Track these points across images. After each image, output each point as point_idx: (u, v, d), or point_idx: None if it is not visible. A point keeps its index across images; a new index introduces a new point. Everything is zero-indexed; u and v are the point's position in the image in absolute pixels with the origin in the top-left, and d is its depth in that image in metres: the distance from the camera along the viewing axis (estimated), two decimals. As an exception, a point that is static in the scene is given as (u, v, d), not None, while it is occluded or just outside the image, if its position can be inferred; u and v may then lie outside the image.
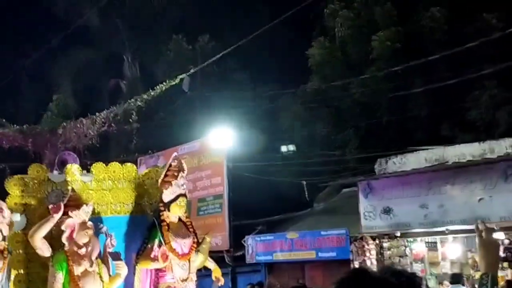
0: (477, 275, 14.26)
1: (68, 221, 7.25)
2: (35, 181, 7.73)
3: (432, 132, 20.13)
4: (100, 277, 7.37)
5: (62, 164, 8.58)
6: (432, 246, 16.21)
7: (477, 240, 2.91)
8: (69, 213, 7.26)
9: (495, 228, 12.08)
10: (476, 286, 2.89)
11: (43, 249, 7.15)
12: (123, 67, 28.57)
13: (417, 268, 15.98)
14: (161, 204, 7.84)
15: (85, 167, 8.36)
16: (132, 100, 19.13)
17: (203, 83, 24.59)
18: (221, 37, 23.61)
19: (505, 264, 14.24)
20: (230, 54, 17.65)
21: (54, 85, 27.13)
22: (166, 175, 7.90)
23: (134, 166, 8.49)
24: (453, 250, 15.94)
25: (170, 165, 7.99)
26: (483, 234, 2.87)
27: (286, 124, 24.02)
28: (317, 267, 17.67)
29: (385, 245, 16.32)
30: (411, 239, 16.05)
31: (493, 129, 18.60)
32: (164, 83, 18.75)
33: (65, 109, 24.54)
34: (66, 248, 7.21)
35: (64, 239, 7.22)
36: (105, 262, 7.50)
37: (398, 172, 15.80)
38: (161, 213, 7.79)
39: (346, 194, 19.69)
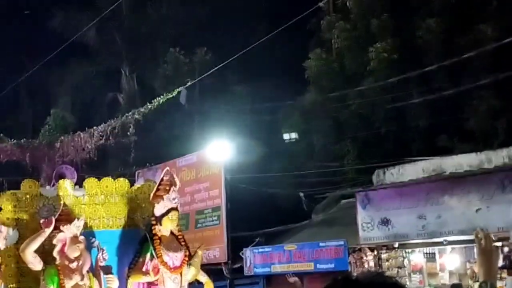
0: (476, 286, 14.27)
1: (60, 236, 7.29)
2: (27, 196, 7.79)
3: (430, 143, 20.09)
4: (91, 290, 7.39)
5: (60, 178, 8.61)
6: (431, 257, 16.16)
7: (476, 248, 2.91)
8: (61, 227, 7.32)
9: (493, 238, 12.06)
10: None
11: (35, 263, 7.18)
12: (121, 80, 28.63)
13: (415, 279, 15.96)
14: (152, 218, 7.89)
15: (83, 181, 8.42)
16: (130, 113, 19.18)
17: (201, 96, 24.65)
18: (219, 50, 23.66)
19: (504, 274, 14.20)
20: (227, 67, 17.75)
21: (52, 99, 27.17)
22: (158, 189, 7.96)
23: (127, 181, 8.55)
24: (451, 261, 15.89)
25: (162, 180, 8.04)
26: (483, 242, 2.86)
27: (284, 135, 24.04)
28: (315, 279, 17.59)
29: (383, 256, 16.28)
30: (409, 250, 16.01)
31: (492, 139, 18.56)
32: (161, 96, 18.81)
33: (63, 123, 24.56)
34: (57, 262, 7.25)
35: (55, 253, 7.27)
36: (96, 276, 7.54)
37: (396, 183, 15.78)
38: (153, 227, 7.84)
39: (344, 205, 19.67)
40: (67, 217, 7.50)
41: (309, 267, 16.75)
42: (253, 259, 18.48)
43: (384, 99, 20.82)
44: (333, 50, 23.39)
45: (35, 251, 7.19)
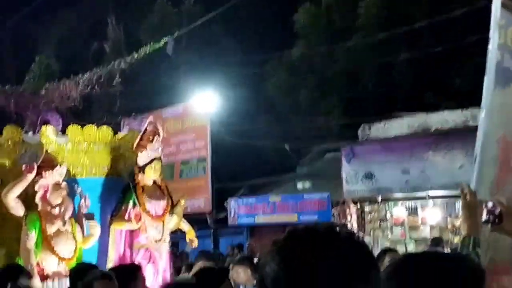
0: (456, 240, 14.42)
1: (42, 182, 7.25)
2: (10, 142, 7.70)
3: (416, 100, 20.07)
4: (74, 236, 7.41)
5: (45, 125, 8.53)
6: (413, 211, 16.30)
7: (461, 202, 2.92)
8: (43, 174, 7.27)
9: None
10: (458, 249, 2.88)
11: (17, 209, 7.16)
12: (107, 29, 28.23)
13: (397, 232, 16.14)
14: (136, 167, 7.88)
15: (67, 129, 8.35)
16: (116, 62, 18.92)
17: (188, 47, 24.37)
18: (207, 0, 23.33)
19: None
20: (216, 18, 17.50)
21: (37, 46, 26.80)
22: (141, 139, 7.93)
23: (110, 129, 8.49)
24: (433, 215, 16.03)
25: (146, 129, 8.01)
26: (468, 196, 2.88)
27: (271, 89, 23.93)
28: (298, 230, 17.77)
29: (366, 209, 16.44)
30: (392, 204, 16.15)
31: (477, 97, 18.54)
32: (148, 46, 18.57)
33: (48, 71, 24.25)
34: (39, 208, 7.24)
35: (37, 199, 7.24)
36: (79, 222, 7.54)
37: (381, 138, 15.84)
38: (135, 176, 7.84)
39: (329, 159, 19.72)
40: (49, 163, 7.43)
41: (292, 218, 16.86)
42: (237, 209, 18.58)
43: (371, 56, 20.72)
44: (322, 3, 23.14)
45: (17, 197, 7.14)
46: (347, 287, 1.39)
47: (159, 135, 8.06)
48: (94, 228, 7.61)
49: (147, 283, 5.91)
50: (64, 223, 7.31)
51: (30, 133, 8.52)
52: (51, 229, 7.20)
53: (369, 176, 15.63)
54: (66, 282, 7.01)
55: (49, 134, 7.87)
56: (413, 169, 14.75)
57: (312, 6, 22.86)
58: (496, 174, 3.13)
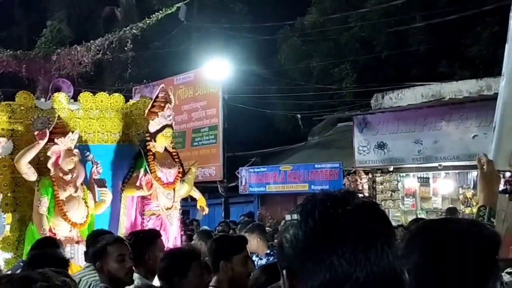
0: (468, 211, 14.45)
1: (54, 148, 7.33)
2: (22, 108, 7.77)
3: (430, 68, 19.94)
4: (85, 202, 7.51)
5: (56, 91, 8.59)
6: (424, 182, 16.34)
7: (478, 172, 2.89)
8: (55, 140, 7.34)
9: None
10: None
11: (29, 174, 7.25)
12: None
13: (408, 202, 16.19)
14: (147, 134, 7.94)
15: (79, 95, 8.41)
16: (128, 28, 18.87)
17: (199, 13, 24.19)
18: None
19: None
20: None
21: (48, 11, 26.69)
22: (153, 106, 7.97)
23: (122, 96, 8.55)
24: (444, 186, 16.07)
25: (157, 96, 8.04)
26: (485, 167, 2.85)
27: (284, 57, 23.82)
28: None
29: (378, 179, 16.46)
30: (404, 174, 16.16)
31: (493, 67, 18.42)
32: (160, 12, 18.49)
33: (59, 36, 24.15)
34: (51, 174, 7.33)
35: (49, 165, 7.32)
36: (90, 188, 7.64)
37: (394, 108, 15.78)
38: (147, 143, 7.90)
39: (341, 129, 19.73)
40: (61, 130, 7.51)
41: (303, 187, 16.92)
42: (249, 178, 18.67)
43: (386, 23, 20.54)
44: (336, -30, 22.89)
45: (30, 162, 7.24)
46: (364, 242, 1.43)
47: (170, 102, 8.10)
48: (106, 194, 7.71)
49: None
50: (76, 189, 7.41)
51: (43, 99, 8.57)
52: (63, 195, 7.30)
53: (381, 146, 15.62)
54: (78, 247, 7.15)
55: (61, 100, 7.93)
56: (425, 139, 14.71)
57: (326, -27, 22.63)
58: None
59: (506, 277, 2.49)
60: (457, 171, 15.40)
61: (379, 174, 16.44)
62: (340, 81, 22.20)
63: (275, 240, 7.24)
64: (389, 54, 21.08)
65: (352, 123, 16.49)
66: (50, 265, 3.64)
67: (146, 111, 7.97)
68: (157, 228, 7.41)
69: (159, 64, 23.86)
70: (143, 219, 7.89)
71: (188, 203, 12.51)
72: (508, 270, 2.56)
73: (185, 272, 3.80)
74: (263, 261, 6.69)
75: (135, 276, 4.34)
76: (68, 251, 7.25)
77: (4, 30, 24.85)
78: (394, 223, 14.43)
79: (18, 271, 4.03)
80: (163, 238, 7.56)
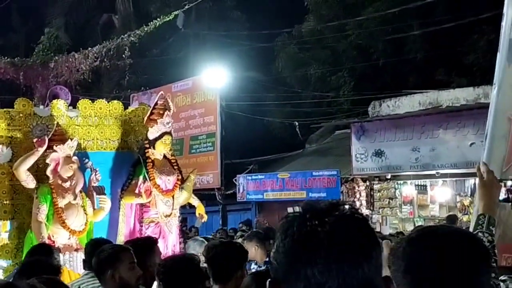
0: (465, 219, 14.43)
1: (53, 155, 7.33)
2: (21, 115, 7.77)
3: (427, 76, 19.99)
4: (84, 210, 7.50)
5: (54, 98, 8.61)
6: (422, 189, 16.38)
7: (477, 181, 2.89)
8: (54, 147, 7.35)
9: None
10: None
11: (28, 181, 7.25)
12: (116, 1, 28.12)
13: (406, 210, 16.22)
14: (146, 141, 7.94)
15: (77, 102, 8.42)
16: (125, 35, 18.87)
17: (197, 20, 24.22)
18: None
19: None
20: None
21: (46, 18, 26.71)
22: (152, 113, 7.98)
23: (121, 104, 8.55)
24: (442, 194, 16.10)
25: (156, 103, 8.05)
26: (484, 175, 2.84)
27: (281, 64, 23.85)
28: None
29: (376, 187, 16.50)
30: (401, 182, 16.20)
31: (490, 75, 18.43)
32: (158, 19, 18.50)
33: (57, 43, 24.18)
34: (50, 181, 7.32)
35: (48, 172, 7.32)
36: (89, 196, 7.64)
37: (391, 115, 15.81)
38: (146, 150, 7.90)
39: (339, 136, 19.77)
40: (60, 137, 7.52)
41: (301, 195, 16.92)
42: (246, 185, 18.67)
43: (383, 31, 20.59)
44: (334, -22, 22.96)
45: (29, 170, 7.23)
46: (348, 255, 1.44)
47: (169, 109, 8.11)
48: (105, 202, 7.70)
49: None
50: (75, 197, 7.41)
51: (41, 106, 8.57)
52: (62, 202, 7.30)
53: (378, 153, 15.65)
54: (77, 255, 7.13)
55: (60, 108, 7.94)
56: (423, 147, 14.75)
57: (324, -20, 22.69)
58: (507, 151, 3.15)
59: (502, 285, 2.50)
60: (454, 178, 15.43)
61: (376, 182, 16.48)
62: (337, 88, 22.24)
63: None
64: (386, 61, 21.14)
65: (349, 130, 16.53)
66: (42, 273, 3.66)
67: (145, 118, 7.98)
68: (156, 236, 7.41)
69: (157, 71, 23.87)
70: (141, 226, 7.88)
71: (186, 210, 12.50)
72: (502, 278, 2.57)
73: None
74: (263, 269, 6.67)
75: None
76: (66, 258, 7.26)
77: (1, 37, 24.88)
78: (391, 231, 14.48)
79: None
80: (162, 245, 7.62)
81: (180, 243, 8.32)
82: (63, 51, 20.71)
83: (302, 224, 1.47)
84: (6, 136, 7.68)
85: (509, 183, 14.08)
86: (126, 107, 8.78)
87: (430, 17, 19.53)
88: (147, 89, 20.70)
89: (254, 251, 6.91)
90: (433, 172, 14.96)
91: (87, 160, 7.77)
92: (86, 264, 5.06)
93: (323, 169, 17.16)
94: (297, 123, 21.19)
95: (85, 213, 7.49)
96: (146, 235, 7.50)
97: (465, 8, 18.52)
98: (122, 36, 19.02)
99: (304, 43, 23.28)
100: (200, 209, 8.60)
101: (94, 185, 7.68)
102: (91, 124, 8.17)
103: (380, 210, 16.37)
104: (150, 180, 7.74)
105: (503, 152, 3.11)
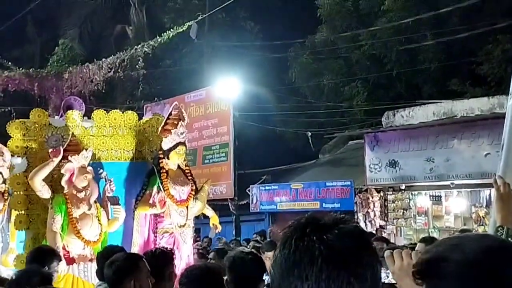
0: (480, 230, 14.35)
1: (68, 165, 7.36)
2: (36, 125, 7.81)
3: (441, 86, 19.96)
4: (99, 220, 7.51)
5: (68, 109, 8.63)
6: (437, 200, 16.26)
7: (495, 193, 2.91)
8: (69, 157, 7.37)
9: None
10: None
11: (43, 191, 7.28)
12: (130, 13, 28.32)
13: (420, 221, 16.11)
14: (160, 152, 7.94)
15: (91, 113, 8.44)
16: (139, 46, 18.95)
17: (210, 31, 24.29)
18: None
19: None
20: (239, 2, 17.45)
21: (60, 29, 26.93)
22: (166, 124, 7.99)
23: (135, 114, 8.56)
24: (457, 204, 15.98)
25: (171, 114, 8.06)
26: (501, 188, 2.86)
27: (294, 74, 23.88)
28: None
29: (390, 197, 16.42)
30: (416, 192, 16.11)
31: (504, 84, 18.39)
32: (171, 30, 18.56)
33: (71, 54, 24.34)
34: (65, 191, 7.34)
35: (63, 182, 7.34)
36: (104, 206, 7.65)
37: (405, 125, 15.77)
38: (160, 161, 7.89)
39: (352, 146, 19.72)
40: (75, 147, 7.55)
41: (314, 206, 16.87)
42: (260, 196, 18.66)
43: (396, 41, 20.59)
44: (347, -12, 23.01)
45: (44, 180, 7.25)
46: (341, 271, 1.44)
47: (183, 120, 8.11)
48: (119, 212, 7.71)
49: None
50: (90, 207, 7.42)
51: (56, 116, 8.61)
52: (76, 212, 7.31)
53: (392, 164, 15.59)
54: (91, 265, 7.14)
55: (75, 118, 7.97)
56: (437, 157, 14.69)
57: (337, -10, 22.75)
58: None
59: None
60: (469, 189, 15.33)
61: (390, 192, 16.40)
62: (351, 98, 22.24)
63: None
64: (400, 71, 21.12)
65: (363, 141, 16.48)
66: (34, 282, 3.65)
67: (159, 128, 8.00)
68: (170, 246, 7.41)
69: (170, 82, 23.95)
70: (156, 236, 7.88)
71: (200, 221, 12.50)
72: None
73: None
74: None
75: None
76: (81, 269, 7.28)
77: (17, 48, 25.05)
78: (406, 242, 14.41)
79: None
80: (176, 255, 7.62)
81: (194, 253, 8.32)
82: (77, 62, 20.83)
83: (299, 238, 1.48)
84: (21, 146, 7.73)
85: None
86: (139, 118, 8.80)
87: (444, 26, 19.51)
88: (161, 100, 20.78)
89: (268, 261, 6.88)
90: (448, 182, 14.88)
91: (101, 171, 7.78)
92: (99, 273, 5.03)
93: (337, 180, 17.13)
94: (310, 134, 21.21)
95: (100, 223, 7.51)
96: (160, 245, 7.48)
97: (479, 18, 18.50)
98: (135, 47, 19.10)
99: (317, 53, 23.31)
100: (214, 219, 8.59)
101: (109, 195, 7.70)
102: (106, 134, 8.20)
103: (394, 221, 16.28)
104: (164, 190, 7.74)
105: None
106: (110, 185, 7.68)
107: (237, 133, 19.12)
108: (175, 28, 18.65)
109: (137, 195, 7.96)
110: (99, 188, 7.66)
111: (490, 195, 14.33)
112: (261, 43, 24.20)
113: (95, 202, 7.54)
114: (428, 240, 6.77)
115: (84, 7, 27.29)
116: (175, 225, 7.83)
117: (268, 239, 12.78)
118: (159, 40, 18.73)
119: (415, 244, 10.26)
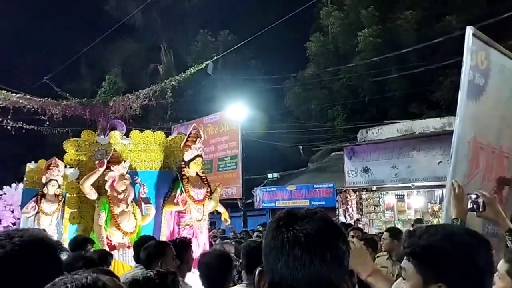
0: (435, 221, 14.25)
1: (110, 174, 7.35)
2: (86, 143, 7.82)
3: (404, 109, 19.93)
4: (134, 216, 7.49)
5: (113, 130, 8.61)
6: (400, 198, 16.22)
7: (452, 194, 2.92)
8: (111, 167, 7.37)
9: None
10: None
11: (91, 194, 7.27)
12: (160, 54, 28.47)
13: (388, 215, 16.05)
14: (182, 162, 7.92)
15: (129, 132, 8.43)
16: (168, 80, 18.97)
17: (223, 68, 24.47)
18: (238, 32, 23.39)
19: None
20: (245, 45, 17.48)
21: (106, 68, 27.12)
22: (187, 141, 7.97)
23: (163, 133, 8.55)
24: (416, 201, 15.94)
25: (190, 133, 8.05)
26: (456, 190, 2.90)
27: (289, 101, 23.90)
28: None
29: (364, 196, 16.36)
30: (384, 192, 16.07)
31: (453, 108, 18.30)
32: (193, 68, 18.61)
33: (115, 87, 24.47)
34: (108, 194, 7.33)
35: (107, 187, 7.33)
36: (138, 205, 7.62)
37: (375, 140, 15.75)
38: (182, 169, 7.87)
39: (334, 157, 19.69)
40: (116, 159, 7.54)
41: (305, 203, 16.84)
42: (262, 196, 18.63)
43: (368, 74, 20.60)
44: (329, 34, 23.06)
45: (92, 185, 7.26)
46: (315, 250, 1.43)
47: (200, 137, 8.10)
48: (150, 209, 7.69)
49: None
50: (127, 206, 7.40)
51: (102, 136, 8.60)
52: (117, 210, 7.29)
53: (366, 170, 15.56)
54: (129, 251, 7.11)
55: (116, 137, 7.97)
56: (401, 165, 14.67)
57: (321, 36, 22.79)
58: (467, 169, 3.11)
59: None
60: (426, 190, 15.29)
61: (364, 192, 16.35)
62: (333, 119, 22.24)
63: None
64: (371, 98, 21.12)
65: (343, 152, 16.47)
66: (78, 266, 3.50)
67: (182, 144, 7.97)
68: (190, 236, 7.37)
69: (192, 107, 23.99)
70: (179, 228, 7.83)
71: (214, 216, 12.43)
72: None
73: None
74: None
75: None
76: (121, 254, 7.25)
77: (73, 82, 25.21)
78: (376, 231, 14.32)
79: None
80: (195, 243, 7.57)
81: (210, 242, 8.26)
82: (120, 93, 20.86)
83: (276, 228, 1.48)
84: (74, 159, 7.73)
85: (473, 196, 13.92)
86: (167, 136, 8.78)
87: (405, 63, 19.50)
88: (185, 122, 20.80)
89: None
90: (409, 184, 14.85)
91: (136, 177, 7.77)
92: (136, 257, 5.02)
93: (322, 183, 17.10)
94: (301, 147, 21.19)
95: (135, 218, 7.47)
96: (182, 235, 7.44)
97: (432, 56, 18.49)
98: (165, 81, 19.10)
99: (306, 84, 23.34)
100: (224, 214, 8.54)
101: (142, 196, 7.68)
102: (140, 149, 8.17)
103: (368, 215, 16.21)
104: (185, 192, 7.71)
105: (464, 170, 3.08)
106: (143, 188, 7.67)
107: (244, 147, 19.15)
108: (195, 66, 18.66)
109: (164, 196, 7.92)
110: (134, 191, 7.63)
111: (442, 194, 14.26)
112: (263, 77, 24.27)
113: (131, 202, 7.50)
114: (392, 230, 6.76)
115: (125, 51, 27.45)
116: (194, 219, 7.78)
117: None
118: (183, 75, 18.73)
119: (383, 232, 10.18)
